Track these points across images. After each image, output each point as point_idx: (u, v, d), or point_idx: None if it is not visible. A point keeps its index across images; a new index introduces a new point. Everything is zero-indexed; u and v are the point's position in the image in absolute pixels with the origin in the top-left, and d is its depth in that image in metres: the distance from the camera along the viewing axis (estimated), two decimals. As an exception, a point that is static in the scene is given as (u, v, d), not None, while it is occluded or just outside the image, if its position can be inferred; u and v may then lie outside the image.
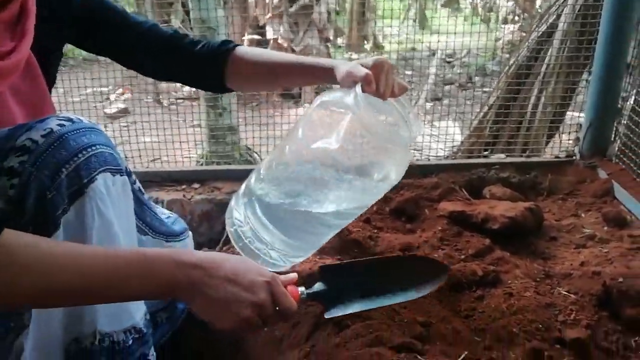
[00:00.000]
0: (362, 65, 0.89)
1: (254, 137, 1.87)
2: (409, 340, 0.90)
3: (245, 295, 0.68)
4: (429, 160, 1.66)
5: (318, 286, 0.84)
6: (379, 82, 0.87)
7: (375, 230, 1.35)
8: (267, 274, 0.73)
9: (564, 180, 1.55)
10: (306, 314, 0.99)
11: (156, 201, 1.52)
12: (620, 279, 1.01)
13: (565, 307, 1.00)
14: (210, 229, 1.52)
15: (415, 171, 1.57)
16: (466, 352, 0.87)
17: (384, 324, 0.95)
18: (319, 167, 0.90)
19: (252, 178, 1.05)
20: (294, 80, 1.11)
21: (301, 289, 0.81)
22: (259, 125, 1.94)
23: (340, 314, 0.84)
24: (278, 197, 0.97)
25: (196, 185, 1.55)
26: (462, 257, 1.17)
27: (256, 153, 2.85)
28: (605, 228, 1.27)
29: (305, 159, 0.92)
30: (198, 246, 1.47)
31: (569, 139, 1.67)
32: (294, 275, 0.80)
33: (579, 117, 1.73)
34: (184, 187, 1.56)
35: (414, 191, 1.48)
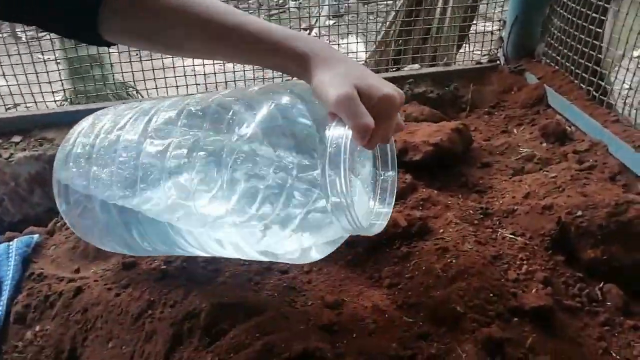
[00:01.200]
0: (362, 93, 0.51)
1: (121, 71, 1.40)
2: (313, 344, 0.61)
3: None
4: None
5: None
6: (376, 132, 0.51)
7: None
8: None
9: (488, 90, 1.30)
10: (161, 319, 0.67)
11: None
12: (579, 212, 0.78)
13: (514, 258, 0.76)
14: (46, 196, 1.12)
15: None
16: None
17: (279, 318, 0.66)
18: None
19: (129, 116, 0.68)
20: (233, 56, 0.61)
21: None
22: (129, 55, 1.48)
23: None
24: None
25: (17, 139, 1.12)
26: (379, 202, 0.89)
27: (134, 88, 2.38)
28: (544, 145, 1.04)
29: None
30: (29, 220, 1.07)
31: (491, 39, 1.41)
32: None
33: (485, 26, 1.47)
34: (-1, 142, 1.12)
35: (313, 120, 1.17)
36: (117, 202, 0.64)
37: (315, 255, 0.61)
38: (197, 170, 0.56)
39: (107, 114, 0.74)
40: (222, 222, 0.55)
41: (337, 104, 0.50)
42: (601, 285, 0.76)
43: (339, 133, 0.50)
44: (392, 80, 1.28)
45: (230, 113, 0.57)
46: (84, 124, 0.76)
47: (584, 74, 1.09)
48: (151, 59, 1.26)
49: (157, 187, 0.60)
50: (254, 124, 0.55)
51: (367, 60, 2.07)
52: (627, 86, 1.04)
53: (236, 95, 0.60)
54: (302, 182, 0.55)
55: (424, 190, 0.90)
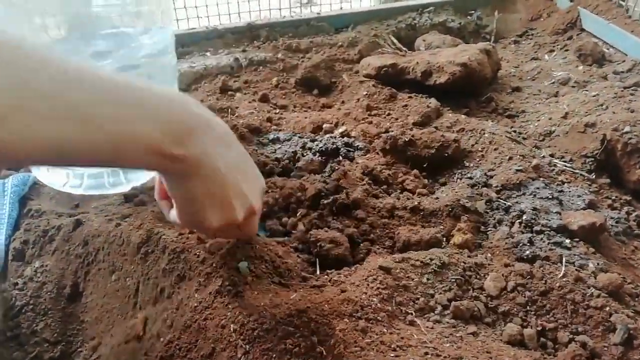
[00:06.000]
0: None
1: None
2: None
3: None
4: (341, 9, 1.25)
5: None
6: None
7: (278, 110, 0.96)
8: None
9: (514, 18, 1.21)
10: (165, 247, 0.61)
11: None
12: (626, 128, 0.70)
13: (552, 181, 0.69)
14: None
15: (324, 25, 1.16)
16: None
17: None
18: None
19: None
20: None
21: None
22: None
23: None
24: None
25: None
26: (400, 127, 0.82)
27: None
28: (581, 68, 0.95)
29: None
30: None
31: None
32: None
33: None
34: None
35: (325, 52, 1.09)
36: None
37: None
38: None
39: None
40: None
41: None
42: (651, 208, 0.69)
43: None
44: (410, 9, 1.19)
45: None
46: None
47: (624, -10, 0.99)
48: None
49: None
50: None
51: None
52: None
53: None
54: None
55: (451, 114, 0.83)
